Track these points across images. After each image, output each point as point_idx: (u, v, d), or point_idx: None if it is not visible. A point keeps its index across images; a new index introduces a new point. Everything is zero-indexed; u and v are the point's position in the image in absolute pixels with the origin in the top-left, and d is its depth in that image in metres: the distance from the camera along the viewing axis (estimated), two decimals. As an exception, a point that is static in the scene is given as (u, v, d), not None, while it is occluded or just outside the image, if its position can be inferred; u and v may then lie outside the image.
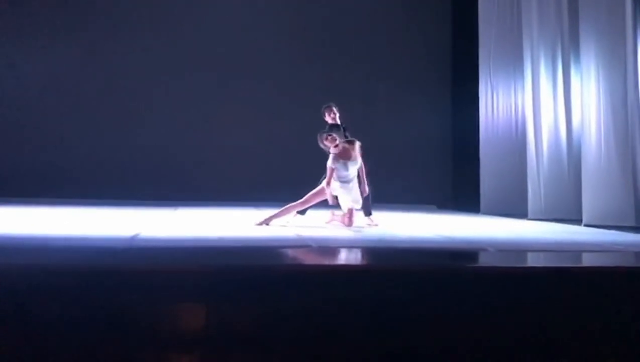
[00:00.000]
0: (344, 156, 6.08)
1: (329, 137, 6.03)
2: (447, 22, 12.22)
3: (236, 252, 4.16)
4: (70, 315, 2.89)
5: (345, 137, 6.41)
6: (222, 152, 11.12)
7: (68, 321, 2.88)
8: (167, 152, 11.08)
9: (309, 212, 6.59)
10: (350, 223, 6.19)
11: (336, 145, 6.05)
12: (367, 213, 6.76)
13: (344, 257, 4.14)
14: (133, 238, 4.59)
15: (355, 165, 6.18)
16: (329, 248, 4.47)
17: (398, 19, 12.02)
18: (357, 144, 6.23)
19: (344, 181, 6.08)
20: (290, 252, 4.27)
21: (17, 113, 10.87)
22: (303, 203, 6.17)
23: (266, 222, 6.06)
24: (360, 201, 6.28)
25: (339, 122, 6.73)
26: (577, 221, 7.69)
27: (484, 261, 4.18)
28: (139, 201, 9.73)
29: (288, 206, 6.18)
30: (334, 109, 6.79)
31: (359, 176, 6.26)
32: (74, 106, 11.05)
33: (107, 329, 2.90)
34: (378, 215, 8.69)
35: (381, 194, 11.15)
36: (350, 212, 6.19)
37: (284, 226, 6.10)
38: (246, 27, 11.55)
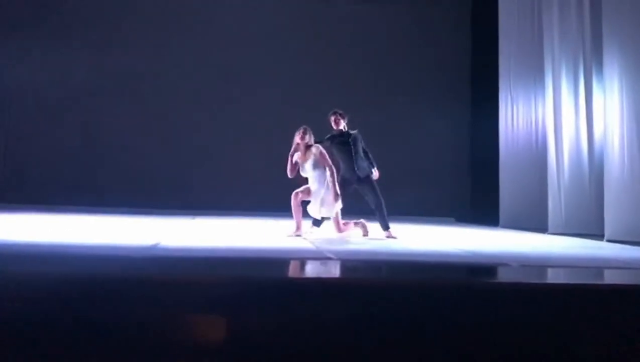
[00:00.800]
0: (301, 156, 6.21)
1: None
2: (466, 35, 12.19)
3: (256, 264, 4.15)
4: (89, 323, 2.89)
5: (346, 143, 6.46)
6: (241, 162, 11.15)
7: (87, 330, 2.88)
8: (185, 162, 11.15)
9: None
10: (339, 230, 6.21)
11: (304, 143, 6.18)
12: (385, 227, 6.67)
13: (363, 271, 4.11)
14: (153, 247, 4.60)
15: (311, 167, 6.17)
16: (348, 261, 4.43)
17: (417, 33, 12.02)
18: (315, 149, 6.22)
19: (310, 183, 6.16)
20: (309, 264, 4.24)
21: (37, 120, 11.00)
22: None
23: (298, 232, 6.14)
24: (331, 210, 6.19)
25: (343, 129, 6.65)
26: (599, 236, 7.57)
27: (506, 276, 4.11)
28: (157, 210, 9.79)
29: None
30: (333, 117, 6.68)
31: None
32: (94, 114, 11.16)
33: (125, 339, 2.89)
34: (396, 227, 8.65)
35: (400, 206, 11.16)
36: (336, 219, 6.20)
37: (304, 236, 6.11)
38: (262, 40, 11.63)
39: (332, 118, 6.67)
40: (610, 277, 4.27)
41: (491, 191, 10.26)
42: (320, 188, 6.18)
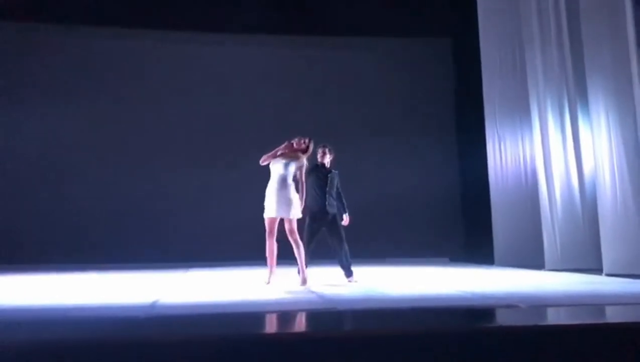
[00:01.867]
0: (288, 155, 6.20)
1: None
2: (449, 76, 12.39)
3: (260, 318, 4.03)
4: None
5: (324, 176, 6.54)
6: (232, 212, 11.04)
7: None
8: (175, 214, 11.03)
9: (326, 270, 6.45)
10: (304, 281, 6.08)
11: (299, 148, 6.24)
12: (347, 274, 6.58)
13: (371, 322, 4.00)
14: (153, 305, 4.46)
15: (287, 168, 6.16)
16: (354, 311, 4.32)
17: (401, 78, 12.21)
18: (306, 161, 6.25)
19: (279, 181, 6.07)
20: (313, 316, 4.12)
21: (23, 180, 10.84)
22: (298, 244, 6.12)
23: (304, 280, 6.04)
24: (296, 211, 6.10)
25: (326, 164, 6.68)
26: (597, 270, 7.55)
27: (518, 318, 4.02)
28: (148, 264, 9.60)
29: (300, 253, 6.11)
30: (321, 150, 6.72)
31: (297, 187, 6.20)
32: (82, 172, 11.05)
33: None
34: (391, 270, 8.59)
35: (393, 248, 11.16)
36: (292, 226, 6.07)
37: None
38: (247, 88, 11.72)
39: (320, 150, 6.71)
40: (623, 315, 4.21)
41: (484, 230, 10.25)
42: (287, 189, 6.08)
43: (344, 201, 6.75)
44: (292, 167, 6.16)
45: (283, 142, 6.36)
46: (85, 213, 10.87)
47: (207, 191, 11.14)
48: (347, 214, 6.74)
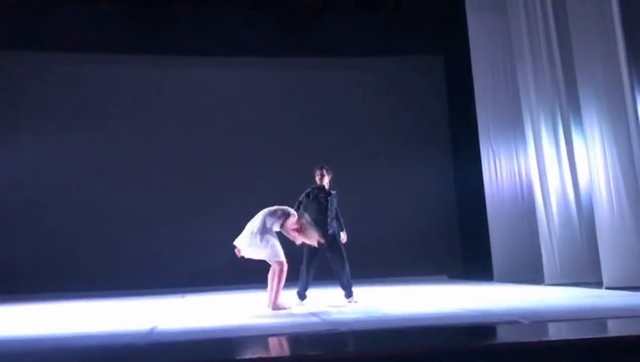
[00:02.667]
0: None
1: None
2: (442, 94, 12.45)
3: (263, 343, 3.99)
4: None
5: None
6: (225, 238, 10.95)
7: None
8: (169, 241, 10.95)
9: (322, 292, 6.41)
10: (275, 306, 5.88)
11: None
12: (348, 294, 6.54)
13: (373, 343, 3.96)
14: (151, 331, 4.42)
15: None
16: (356, 332, 4.28)
17: (394, 98, 12.24)
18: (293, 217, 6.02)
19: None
20: (318, 339, 4.08)
21: (20, 208, 10.77)
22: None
23: (277, 305, 5.87)
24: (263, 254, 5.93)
25: (325, 185, 6.65)
26: (597, 284, 7.53)
27: (518, 334, 3.99)
28: (142, 291, 9.53)
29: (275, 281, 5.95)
30: (319, 171, 6.70)
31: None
32: (78, 199, 10.96)
33: None
34: (390, 289, 8.54)
35: (391, 267, 11.10)
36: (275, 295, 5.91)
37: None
38: (248, 110, 11.72)
39: (318, 172, 6.70)
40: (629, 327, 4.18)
41: (482, 246, 10.22)
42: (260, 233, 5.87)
43: (342, 219, 6.73)
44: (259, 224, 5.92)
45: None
46: (82, 241, 10.79)
47: (202, 216, 11.06)
48: (344, 232, 6.72)
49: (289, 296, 6.32)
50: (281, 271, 5.89)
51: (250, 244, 5.83)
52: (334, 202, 6.61)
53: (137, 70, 11.74)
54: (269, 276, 5.98)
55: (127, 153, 11.30)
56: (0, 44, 10.87)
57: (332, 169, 6.77)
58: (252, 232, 5.86)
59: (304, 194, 6.65)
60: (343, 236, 6.70)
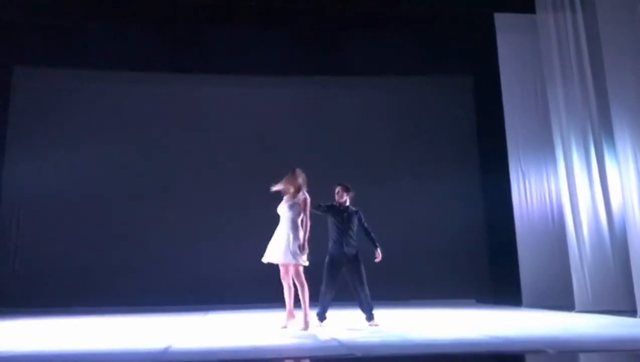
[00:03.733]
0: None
1: None
2: (471, 114, 12.23)
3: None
4: None
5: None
6: (250, 254, 10.91)
7: None
8: (193, 258, 10.92)
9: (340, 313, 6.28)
10: (299, 281, 5.96)
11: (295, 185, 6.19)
12: (368, 317, 6.40)
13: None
14: (165, 351, 4.34)
15: (287, 208, 6.10)
16: (374, 358, 4.14)
17: (424, 116, 12.08)
18: (302, 195, 6.17)
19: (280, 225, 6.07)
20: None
21: (43, 223, 10.87)
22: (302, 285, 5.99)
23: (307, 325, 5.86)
24: (293, 258, 5.91)
25: (344, 203, 6.57)
26: (631, 312, 7.23)
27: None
28: (170, 307, 9.53)
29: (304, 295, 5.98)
30: (338, 188, 6.65)
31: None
32: (101, 215, 11.02)
33: None
34: (417, 312, 8.34)
35: (418, 290, 10.88)
36: (298, 270, 5.94)
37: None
38: (270, 129, 11.68)
39: (337, 190, 6.65)
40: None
41: (511, 270, 9.93)
42: (288, 232, 5.98)
43: (373, 236, 6.58)
44: (289, 208, 6.09)
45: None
46: (107, 257, 10.81)
47: (230, 233, 11.00)
48: (378, 249, 6.53)
49: (299, 316, 6.19)
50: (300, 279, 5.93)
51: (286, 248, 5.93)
52: (353, 220, 6.50)
53: (160, 87, 11.84)
54: (286, 293, 6.06)
55: (149, 169, 11.33)
56: (28, 61, 11.12)
57: (352, 189, 6.67)
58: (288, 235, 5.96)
59: (326, 204, 6.60)
60: (378, 253, 6.51)
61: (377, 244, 6.54)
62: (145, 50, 11.23)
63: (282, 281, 6.12)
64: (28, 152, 11.01)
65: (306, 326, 5.89)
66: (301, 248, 5.94)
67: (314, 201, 6.30)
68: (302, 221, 6.07)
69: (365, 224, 6.60)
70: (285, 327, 6.05)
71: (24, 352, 4.49)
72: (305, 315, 5.94)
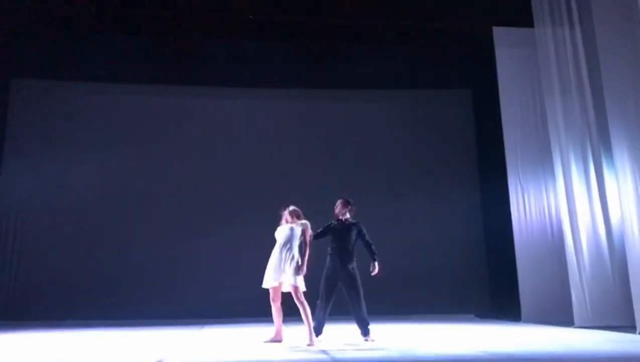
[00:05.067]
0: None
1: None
2: (470, 128, 12.25)
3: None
4: None
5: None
6: (248, 268, 10.87)
7: None
8: (190, 272, 10.86)
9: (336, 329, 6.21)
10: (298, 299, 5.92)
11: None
12: (364, 333, 6.32)
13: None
14: (155, 367, 4.29)
15: (285, 232, 6.12)
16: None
17: (422, 131, 12.09)
18: (303, 224, 6.18)
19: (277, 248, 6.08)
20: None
21: (38, 237, 10.82)
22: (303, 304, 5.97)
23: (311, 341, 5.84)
24: (290, 279, 5.90)
25: (342, 217, 6.54)
26: (630, 327, 7.16)
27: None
28: (165, 320, 9.46)
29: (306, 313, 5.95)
30: (340, 201, 6.62)
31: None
32: (98, 229, 10.98)
33: None
34: (415, 327, 8.26)
35: (417, 305, 10.80)
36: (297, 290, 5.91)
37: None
38: (269, 143, 11.70)
39: (337, 203, 6.61)
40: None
41: (510, 284, 9.86)
42: (286, 255, 5.99)
43: (374, 248, 6.50)
44: (289, 231, 6.12)
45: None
46: (102, 270, 10.75)
47: (229, 247, 10.95)
48: (376, 261, 6.43)
49: (302, 332, 6.13)
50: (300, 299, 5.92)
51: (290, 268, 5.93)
52: (351, 234, 6.45)
53: (159, 100, 11.85)
54: (274, 314, 6.13)
55: (147, 182, 11.31)
56: (26, 74, 11.16)
57: (353, 202, 6.64)
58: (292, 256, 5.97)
59: (323, 227, 6.56)
60: (375, 266, 6.40)
61: (376, 257, 6.47)
62: (144, 63, 11.29)
63: (272, 302, 6.09)
64: (25, 163, 11.01)
65: (311, 341, 5.84)
66: (299, 270, 5.89)
67: (312, 227, 6.28)
68: (300, 246, 6.03)
69: (367, 237, 6.54)
70: (267, 342, 6.04)
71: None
72: (310, 332, 5.90)
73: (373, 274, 6.38)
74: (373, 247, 6.51)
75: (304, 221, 6.19)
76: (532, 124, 9.91)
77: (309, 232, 6.13)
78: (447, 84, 12.23)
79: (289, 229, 6.10)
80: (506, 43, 10.40)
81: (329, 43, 11.58)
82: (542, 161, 9.64)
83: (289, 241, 6.04)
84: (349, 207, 6.62)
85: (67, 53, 11.01)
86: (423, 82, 12.13)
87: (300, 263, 5.93)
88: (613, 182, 8.01)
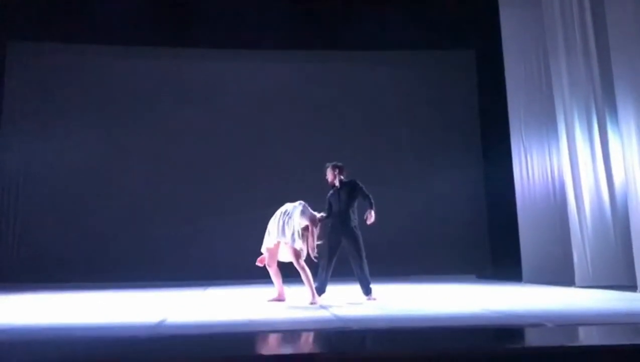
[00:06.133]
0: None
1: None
2: (474, 89, 12.13)
3: (270, 339, 3.83)
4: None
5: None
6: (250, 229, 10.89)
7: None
8: (194, 233, 10.90)
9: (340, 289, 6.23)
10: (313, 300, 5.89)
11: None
12: (365, 291, 6.33)
13: (389, 342, 3.77)
14: (159, 324, 4.30)
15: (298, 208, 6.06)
16: (370, 331, 4.10)
17: (424, 92, 12.01)
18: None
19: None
20: (329, 336, 3.91)
21: (40, 199, 10.85)
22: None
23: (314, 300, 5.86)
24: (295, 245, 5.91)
25: (337, 183, 6.49)
26: (631, 287, 7.18)
27: (542, 338, 3.76)
28: (170, 283, 9.53)
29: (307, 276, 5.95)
30: (330, 170, 6.58)
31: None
32: (100, 192, 11.01)
33: None
34: (414, 289, 8.31)
35: (418, 266, 10.86)
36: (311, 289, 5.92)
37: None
38: (271, 105, 11.62)
39: (328, 172, 6.56)
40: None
41: (512, 246, 9.89)
42: (288, 220, 5.95)
43: (372, 199, 6.42)
44: (302, 209, 6.05)
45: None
46: (106, 233, 10.81)
47: (233, 207, 10.96)
48: (372, 211, 6.35)
49: (304, 292, 6.16)
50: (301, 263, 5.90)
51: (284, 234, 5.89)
52: (350, 195, 6.40)
53: (162, 62, 11.74)
54: (273, 277, 6.17)
55: (149, 146, 11.29)
56: (25, 36, 10.99)
57: (337, 165, 6.56)
58: (286, 224, 5.92)
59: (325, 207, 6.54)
60: (371, 214, 6.33)
61: (373, 207, 6.40)
62: (143, 25, 11.10)
63: (268, 267, 6.09)
64: (23, 126, 10.96)
65: (314, 299, 5.87)
66: (299, 235, 5.89)
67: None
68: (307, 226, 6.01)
69: (364, 189, 6.47)
70: (270, 301, 6.11)
71: (17, 326, 4.46)
72: (312, 291, 5.93)
73: (369, 223, 6.34)
74: (371, 198, 6.45)
75: (313, 212, 6.14)
76: (536, 85, 9.76)
77: (315, 220, 6.05)
78: (450, 45, 12.06)
79: (293, 207, 6.05)
80: (511, 3, 10.22)
81: (330, 4, 11.39)
82: (546, 122, 9.52)
83: (290, 212, 5.99)
84: (338, 170, 6.56)
85: (62, 14, 10.84)
86: (426, 44, 11.96)
87: (299, 233, 5.90)
88: (617, 143, 7.94)
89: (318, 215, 6.11)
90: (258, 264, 6.22)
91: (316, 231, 6.00)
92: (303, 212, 5.99)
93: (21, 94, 11.08)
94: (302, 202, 6.12)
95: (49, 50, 11.26)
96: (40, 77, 11.21)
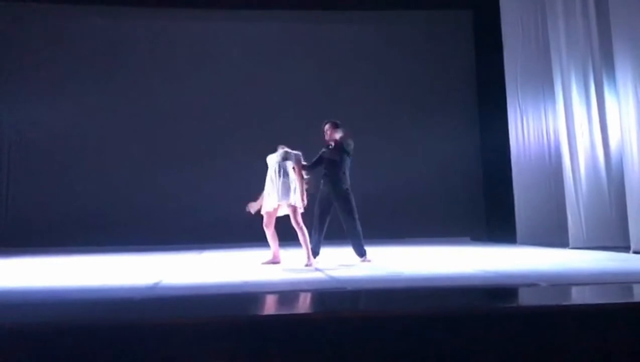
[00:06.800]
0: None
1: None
2: (470, 49, 11.99)
3: (264, 300, 3.85)
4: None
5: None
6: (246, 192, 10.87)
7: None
8: (191, 196, 10.88)
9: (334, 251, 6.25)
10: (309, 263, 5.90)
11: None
12: (359, 253, 6.36)
13: (382, 301, 3.79)
14: (154, 286, 4.32)
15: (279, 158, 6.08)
16: (364, 291, 4.12)
17: (421, 52, 11.86)
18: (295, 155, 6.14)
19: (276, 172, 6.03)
20: (323, 297, 3.93)
21: (35, 162, 10.78)
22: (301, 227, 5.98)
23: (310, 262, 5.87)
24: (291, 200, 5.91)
25: (331, 140, 6.44)
26: (625, 248, 7.23)
27: (535, 297, 3.79)
28: (165, 246, 9.53)
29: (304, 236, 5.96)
30: (328, 126, 6.53)
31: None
32: (93, 154, 10.94)
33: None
34: (408, 250, 8.36)
35: (413, 227, 10.90)
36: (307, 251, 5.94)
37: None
38: (264, 67, 11.48)
39: (325, 128, 6.51)
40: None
41: (506, 207, 9.93)
42: (284, 179, 5.95)
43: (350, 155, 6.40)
44: (283, 159, 6.06)
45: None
46: (102, 196, 10.77)
47: (227, 170, 10.92)
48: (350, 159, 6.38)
49: (298, 255, 6.18)
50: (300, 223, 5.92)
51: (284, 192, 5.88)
52: (342, 157, 6.34)
53: (151, 23, 11.56)
54: (270, 239, 6.11)
55: (145, 107, 11.18)
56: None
57: (337, 123, 6.50)
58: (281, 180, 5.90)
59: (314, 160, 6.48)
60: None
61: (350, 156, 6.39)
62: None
63: (265, 229, 6.07)
64: (17, 88, 10.83)
65: (309, 262, 5.88)
66: (296, 193, 5.87)
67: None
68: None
69: (348, 149, 6.42)
70: (265, 263, 6.10)
71: (10, 288, 4.47)
72: (308, 254, 5.94)
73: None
74: (350, 154, 6.39)
75: (296, 152, 6.11)
76: (534, 46, 9.63)
77: (300, 165, 6.04)
78: (447, 4, 11.87)
79: (279, 156, 6.02)
80: (508, -41, 10.02)
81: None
82: (542, 83, 9.43)
83: (281, 166, 5.96)
84: (334, 127, 6.49)
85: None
86: (421, 2, 11.77)
87: (295, 190, 5.90)
88: (614, 105, 7.90)
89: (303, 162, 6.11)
90: (249, 210, 6.14)
91: (304, 182, 5.99)
92: (296, 161, 6.02)
93: (7, 57, 10.89)
94: (283, 146, 6.13)
95: (33, 10, 11.03)
96: (26, 39, 11.01)
